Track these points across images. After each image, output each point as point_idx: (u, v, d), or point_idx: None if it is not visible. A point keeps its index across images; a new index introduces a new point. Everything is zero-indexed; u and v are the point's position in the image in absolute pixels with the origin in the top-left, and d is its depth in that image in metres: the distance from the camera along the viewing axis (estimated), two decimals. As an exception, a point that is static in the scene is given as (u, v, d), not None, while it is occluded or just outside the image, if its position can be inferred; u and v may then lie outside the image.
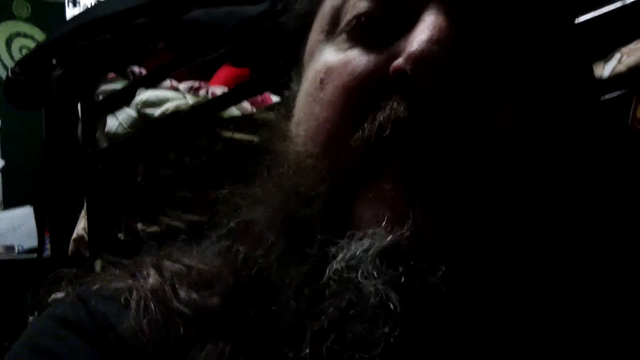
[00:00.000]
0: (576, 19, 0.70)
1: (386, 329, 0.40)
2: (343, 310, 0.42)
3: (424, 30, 0.44)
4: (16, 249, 3.12)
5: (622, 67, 0.76)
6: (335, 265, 0.43)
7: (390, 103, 0.45)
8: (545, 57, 0.48)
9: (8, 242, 3.14)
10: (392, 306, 0.40)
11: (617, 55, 0.77)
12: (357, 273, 0.42)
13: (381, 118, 0.44)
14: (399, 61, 0.44)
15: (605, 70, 0.77)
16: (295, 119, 0.52)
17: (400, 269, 0.41)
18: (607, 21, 0.77)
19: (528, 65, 0.47)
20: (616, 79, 0.77)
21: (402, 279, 0.41)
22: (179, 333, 0.49)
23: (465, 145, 0.43)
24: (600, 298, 0.47)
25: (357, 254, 0.42)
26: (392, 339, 0.40)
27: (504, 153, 0.45)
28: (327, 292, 0.43)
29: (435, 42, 0.43)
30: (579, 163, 0.50)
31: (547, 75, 0.48)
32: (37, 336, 0.52)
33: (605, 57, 0.78)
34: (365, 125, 0.45)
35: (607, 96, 0.76)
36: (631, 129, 0.75)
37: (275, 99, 1.25)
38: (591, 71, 0.64)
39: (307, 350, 0.43)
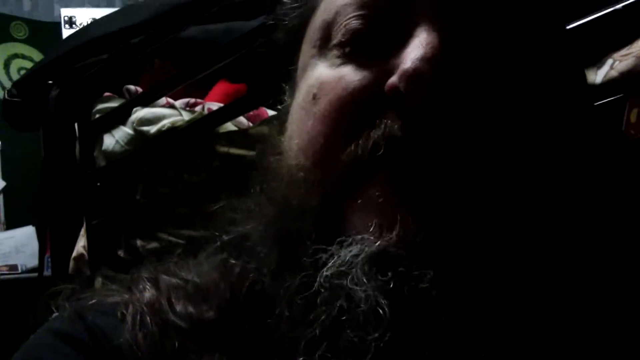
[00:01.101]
0: (566, 25, 0.70)
1: (377, 335, 0.41)
2: (335, 317, 0.42)
3: (417, 47, 0.45)
4: (20, 268, 3.12)
5: (614, 73, 0.76)
6: (325, 272, 0.43)
7: (385, 121, 0.45)
8: (535, 64, 0.48)
9: (11, 262, 3.14)
10: (381, 312, 0.41)
11: (609, 61, 0.77)
12: (347, 279, 0.42)
13: (375, 136, 0.45)
14: (393, 79, 0.45)
15: (597, 76, 0.77)
16: (287, 133, 0.53)
17: (389, 274, 0.42)
18: (599, 27, 0.77)
19: (518, 73, 0.47)
20: (609, 85, 0.77)
21: (391, 284, 0.41)
22: (175, 346, 0.49)
23: (456, 158, 0.44)
24: (595, 308, 0.47)
25: (347, 259, 0.43)
26: (382, 345, 0.41)
27: (496, 164, 0.45)
28: (318, 300, 0.43)
29: (428, 60, 0.44)
30: (573, 168, 0.50)
31: (538, 82, 0.48)
32: (36, 349, 0.52)
33: (598, 63, 0.78)
34: (359, 141, 0.46)
35: (601, 102, 0.76)
36: (626, 135, 0.75)
37: (271, 113, 1.25)
38: (583, 75, 0.64)
39: (301, 359, 0.43)
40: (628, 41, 0.76)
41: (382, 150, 0.44)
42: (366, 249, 0.43)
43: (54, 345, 0.51)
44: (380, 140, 0.45)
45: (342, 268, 0.43)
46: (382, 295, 0.41)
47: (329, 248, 0.44)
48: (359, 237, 0.44)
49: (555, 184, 0.48)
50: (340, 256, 0.43)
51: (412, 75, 0.43)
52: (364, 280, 0.42)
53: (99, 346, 0.51)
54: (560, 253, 0.47)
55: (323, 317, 0.43)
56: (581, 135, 0.54)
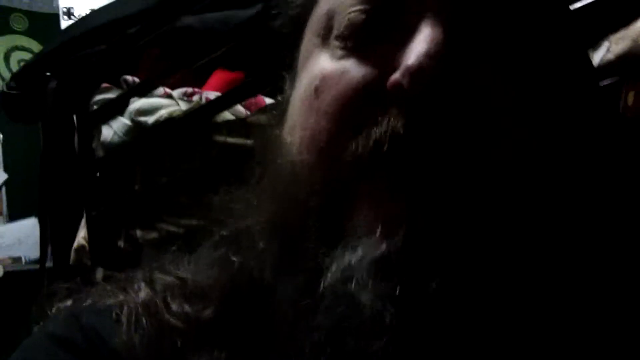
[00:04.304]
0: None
1: (381, 342, 0.40)
2: (338, 323, 0.41)
3: (421, 42, 0.43)
4: (23, 260, 3.12)
5: (610, 56, 0.76)
6: (329, 277, 0.42)
7: (388, 118, 0.44)
8: (542, 55, 0.47)
9: (15, 254, 3.15)
10: (387, 319, 0.40)
11: (606, 44, 0.77)
12: (352, 284, 0.41)
13: (377, 134, 0.44)
14: (396, 75, 0.43)
15: (594, 59, 0.77)
16: (288, 125, 0.51)
17: (395, 279, 0.41)
18: (595, 9, 0.77)
19: (525, 67, 0.46)
20: (606, 68, 0.76)
21: (397, 290, 0.40)
22: (172, 346, 0.49)
23: (462, 157, 0.43)
24: (599, 303, 0.46)
25: (352, 263, 0.42)
26: (387, 352, 0.40)
27: (503, 163, 0.44)
28: (321, 305, 0.42)
29: (432, 56, 0.43)
30: (578, 159, 0.49)
31: (546, 74, 0.47)
32: (30, 353, 0.52)
33: (594, 45, 0.78)
34: (360, 138, 0.44)
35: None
36: (623, 117, 0.75)
37: (268, 101, 1.24)
38: (589, 61, 0.63)
39: None
40: (624, 24, 0.76)
41: (385, 148, 0.43)
42: (371, 252, 0.42)
43: (50, 350, 0.51)
44: (383, 137, 0.43)
45: (347, 273, 0.42)
46: (386, 301, 0.40)
47: (333, 251, 0.43)
48: (364, 239, 0.42)
49: (559, 176, 0.47)
50: (344, 260, 0.42)
51: (416, 72, 0.42)
52: (369, 285, 0.41)
53: (94, 350, 0.50)
54: (566, 250, 0.46)
55: (327, 322, 0.42)
56: (587, 128, 0.53)
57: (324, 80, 0.48)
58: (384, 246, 0.41)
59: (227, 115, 1.23)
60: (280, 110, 0.55)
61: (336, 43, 0.48)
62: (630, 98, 0.75)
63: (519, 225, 0.44)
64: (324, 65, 0.49)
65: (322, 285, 0.43)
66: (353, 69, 0.47)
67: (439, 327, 0.40)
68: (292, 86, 0.54)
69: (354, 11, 0.48)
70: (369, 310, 0.40)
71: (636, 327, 0.47)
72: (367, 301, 0.41)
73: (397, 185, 0.43)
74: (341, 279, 0.42)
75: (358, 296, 0.41)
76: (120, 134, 1.31)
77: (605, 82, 0.76)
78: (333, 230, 0.44)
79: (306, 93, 0.49)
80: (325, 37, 0.50)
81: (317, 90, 0.48)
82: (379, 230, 0.42)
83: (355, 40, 0.47)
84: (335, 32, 0.49)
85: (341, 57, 0.48)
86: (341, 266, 0.42)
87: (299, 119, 0.49)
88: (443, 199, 0.42)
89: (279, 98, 0.58)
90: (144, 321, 0.50)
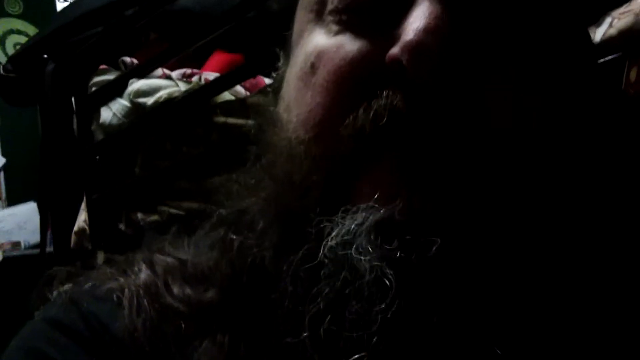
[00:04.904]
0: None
1: (382, 306, 0.40)
2: (339, 290, 0.42)
3: (420, 17, 0.43)
4: (22, 245, 3.12)
5: (613, 31, 0.75)
6: (329, 242, 0.42)
7: (387, 92, 0.44)
8: (542, 37, 0.46)
9: (14, 239, 3.15)
10: (387, 282, 0.40)
11: (608, 19, 0.76)
12: (352, 249, 0.41)
13: (376, 107, 0.44)
14: (395, 50, 0.43)
15: (596, 34, 0.77)
16: (284, 104, 0.51)
17: (395, 243, 0.41)
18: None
19: (524, 47, 0.46)
20: (608, 43, 0.76)
21: (397, 253, 0.40)
22: (175, 330, 0.49)
23: (462, 132, 0.43)
24: (592, 270, 0.47)
25: (352, 228, 0.42)
26: (389, 316, 0.40)
27: (502, 139, 0.44)
28: (322, 272, 0.42)
29: (432, 31, 0.42)
30: (578, 144, 0.49)
31: (544, 55, 0.47)
32: (31, 339, 0.52)
33: (596, 21, 0.77)
34: (359, 113, 0.44)
35: (600, 61, 0.75)
36: (625, 93, 0.74)
37: (268, 81, 1.24)
38: (587, 35, 0.62)
39: (306, 334, 0.42)
40: (627, -1, 0.76)
41: (384, 121, 0.43)
42: (371, 216, 0.42)
43: (50, 335, 0.51)
44: (382, 111, 0.43)
45: (347, 237, 0.42)
46: (387, 264, 0.40)
47: (333, 217, 0.43)
48: (364, 205, 0.43)
49: (559, 154, 0.47)
50: (344, 225, 0.43)
51: (415, 48, 0.42)
52: (369, 249, 0.41)
53: (95, 335, 0.50)
54: (566, 224, 0.46)
55: (327, 290, 0.42)
56: (586, 106, 0.52)
57: (320, 56, 0.48)
58: (384, 210, 0.42)
59: (227, 96, 1.22)
60: (274, 89, 0.55)
61: (330, 18, 0.48)
62: (633, 74, 0.74)
63: (516, 195, 0.44)
64: (319, 41, 0.48)
65: (322, 251, 0.43)
66: (349, 44, 0.47)
67: (439, 291, 0.41)
68: (287, 63, 0.54)
69: None
70: (370, 275, 0.41)
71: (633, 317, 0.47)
72: (367, 265, 0.41)
73: (396, 155, 0.43)
74: (341, 245, 0.42)
75: (358, 261, 0.41)
76: (120, 116, 1.31)
77: (608, 58, 0.75)
78: (332, 203, 0.44)
79: (302, 70, 0.49)
80: (319, 12, 0.49)
81: (313, 67, 0.48)
82: (378, 197, 0.42)
83: (349, 15, 0.47)
84: (329, 6, 0.48)
85: (337, 33, 0.48)
86: (341, 232, 0.42)
87: (296, 96, 0.49)
88: (443, 169, 0.42)
89: (274, 75, 0.58)
90: (146, 304, 0.50)
